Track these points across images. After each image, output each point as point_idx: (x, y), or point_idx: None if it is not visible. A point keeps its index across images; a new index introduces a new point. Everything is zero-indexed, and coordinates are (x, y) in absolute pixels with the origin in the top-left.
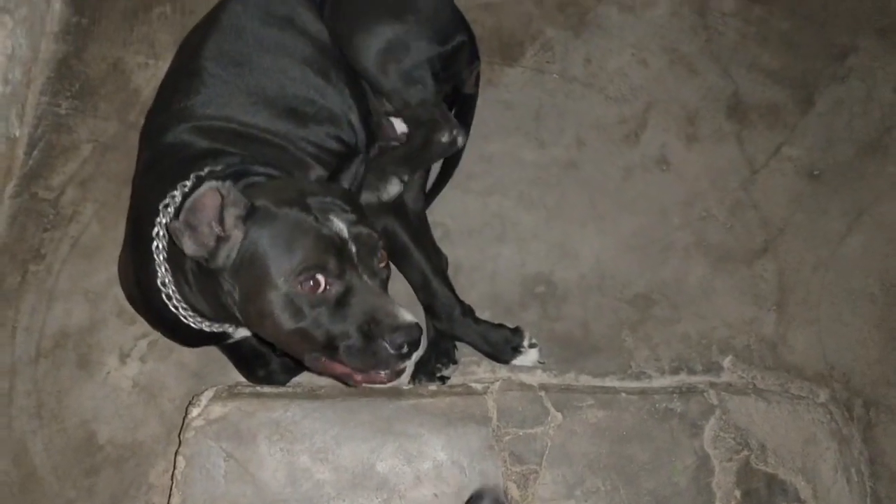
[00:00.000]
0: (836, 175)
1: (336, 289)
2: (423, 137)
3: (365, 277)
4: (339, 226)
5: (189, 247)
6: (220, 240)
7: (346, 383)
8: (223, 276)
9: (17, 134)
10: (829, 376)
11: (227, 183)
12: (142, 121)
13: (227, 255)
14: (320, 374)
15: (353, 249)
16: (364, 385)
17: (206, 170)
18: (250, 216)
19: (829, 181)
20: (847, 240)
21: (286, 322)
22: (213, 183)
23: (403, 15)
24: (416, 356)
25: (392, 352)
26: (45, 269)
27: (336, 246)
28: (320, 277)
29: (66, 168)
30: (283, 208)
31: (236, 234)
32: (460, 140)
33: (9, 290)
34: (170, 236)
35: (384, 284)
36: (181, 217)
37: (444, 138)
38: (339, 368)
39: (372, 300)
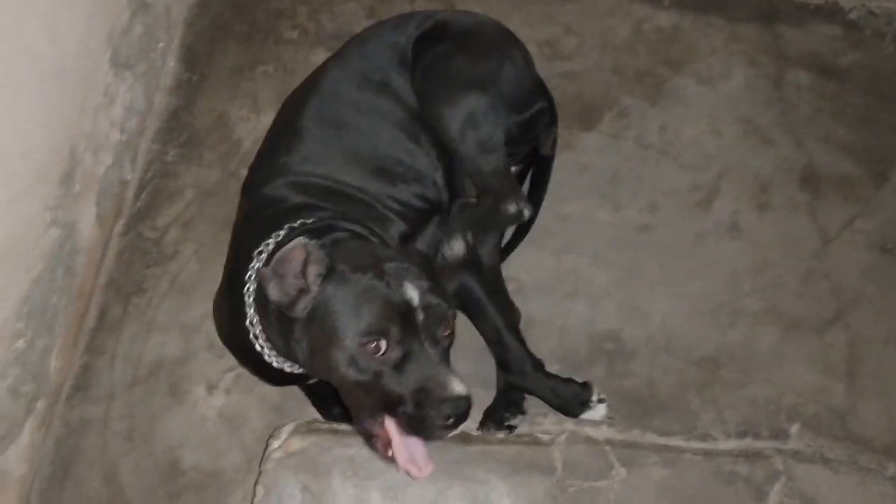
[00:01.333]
0: None
1: (396, 354)
2: (491, 205)
3: (426, 345)
4: (411, 294)
5: (273, 293)
6: (301, 292)
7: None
8: (297, 326)
9: (129, 178)
10: None
11: (314, 242)
12: (242, 170)
13: (304, 306)
14: (367, 443)
15: (420, 318)
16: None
17: (299, 222)
18: (329, 275)
19: None
20: None
21: (348, 375)
22: (302, 240)
23: (488, 88)
24: (461, 427)
25: (439, 422)
26: (145, 303)
27: (402, 313)
28: (383, 342)
29: (170, 211)
30: (357, 272)
31: (314, 289)
32: (526, 212)
33: (112, 321)
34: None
35: (446, 353)
36: (271, 265)
37: (511, 209)
38: (384, 440)
39: (429, 369)
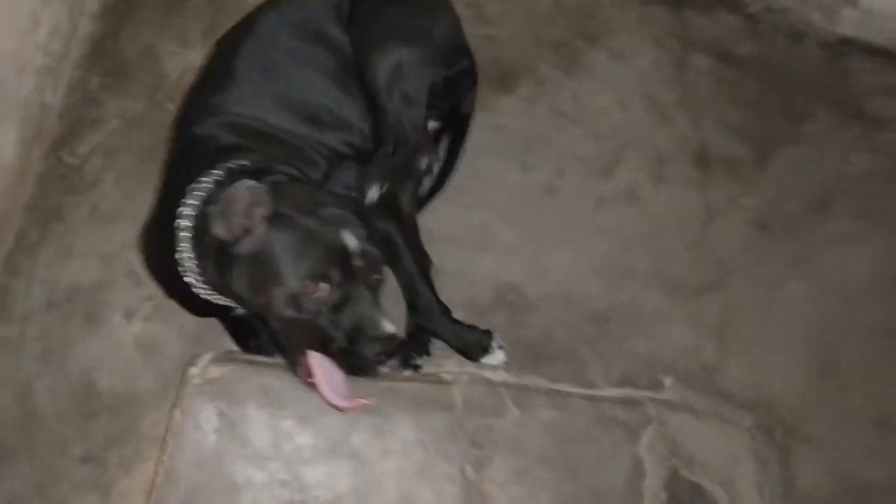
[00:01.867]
0: (783, 227)
1: (334, 296)
2: (405, 158)
3: (362, 288)
4: (349, 240)
5: (218, 230)
6: (246, 231)
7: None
8: (237, 262)
9: (51, 102)
10: (756, 404)
11: (262, 186)
12: (167, 103)
13: (246, 245)
14: (295, 375)
15: (357, 263)
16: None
17: (235, 163)
18: (273, 218)
19: (777, 232)
20: (787, 285)
21: (286, 313)
22: (250, 183)
23: (419, 41)
24: (391, 364)
25: (372, 358)
26: (63, 228)
27: (341, 259)
28: (324, 285)
29: (92, 138)
30: (302, 217)
31: (259, 230)
32: (434, 168)
33: (29, 244)
34: (196, 216)
35: (377, 294)
36: (218, 204)
37: (424, 163)
38: (314, 374)
39: (363, 310)
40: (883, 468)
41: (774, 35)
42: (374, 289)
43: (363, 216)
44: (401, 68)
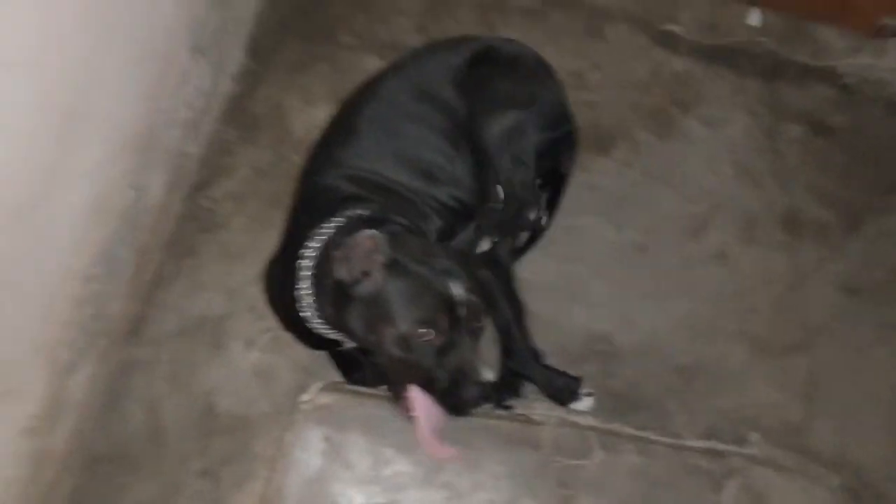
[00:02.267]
0: (871, 293)
1: (440, 341)
2: (516, 211)
3: (464, 335)
4: (456, 290)
5: (340, 272)
6: (364, 275)
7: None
8: (355, 303)
9: (192, 151)
10: (842, 466)
11: (383, 235)
12: (292, 154)
13: (364, 287)
14: (396, 407)
15: (462, 312)
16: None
17: (354, 212)
18: (390, 265)
19: (865, 297)
20: (874, 350)
21: (396, 353)
22: (372, 232)
23: (528, 107)
24: (486, 406)
25: (469, 400)
26: (197, 264)
27: (448, 307)
28: (431, 331)
29: (225, 184)
30: (415, 266)
31: (376, 275)
32: (543, 220)
33: (167, 277)
34: (317, 258)
35: (477, 341)
36: (341, 248)
37: (532, 216)
38: (415, 409)
39: (465, 355)
40: None
41: (869, 107)
42: (475, 336)
43: (466, 267)
44: (512, 132)
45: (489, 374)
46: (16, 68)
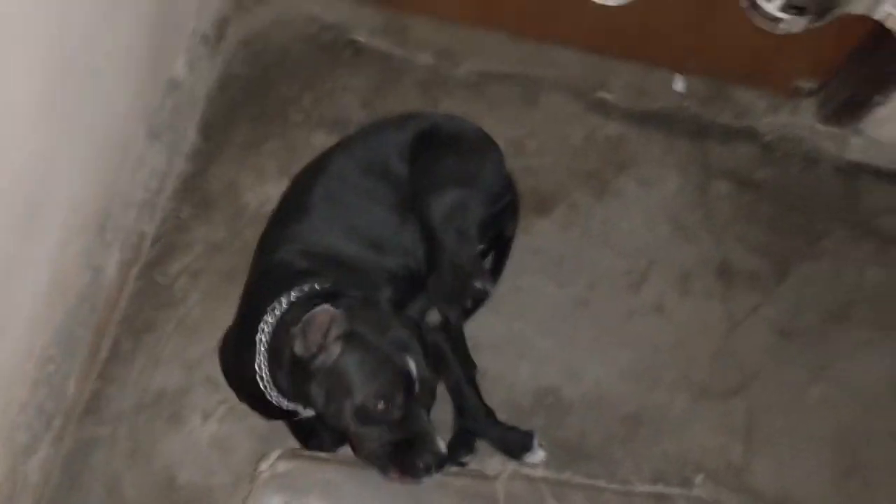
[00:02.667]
0: (803, 336)
1: (396, 414)
2: (462, 283)
3: (419, 408)
4: (412, 367)
5: (298, 348)
6: (321, 349)
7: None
8: (314, 375)
9: (147, 230)
10: (783, 503)
11: (339, 311)
12: (246, 230)
13: (322, 361)
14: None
15: (417, 387)
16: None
17: (310, 286)
18: (348, 338)
19: (797, 340)
20: (808, 390)
21: (352, 426)
22: (328, 307)
23: (471, 184)
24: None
25: (422, 469)
26: (154, 340)
27: (405, 382)
28: (388, 405)
29: (181, 261)
30: (373, 339)
31: (334, 349)
32: (489, 289)
33: (124, 354)
34: (273, 332)
35: (429, 412)
36: (299, 325)
37: (477, 284)
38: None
39: (420, 427)
40: None
41: (789, 161)
42: (428, 409)
43: (421, 340)
44: (455, 209)
45: (443, 448)
46: None
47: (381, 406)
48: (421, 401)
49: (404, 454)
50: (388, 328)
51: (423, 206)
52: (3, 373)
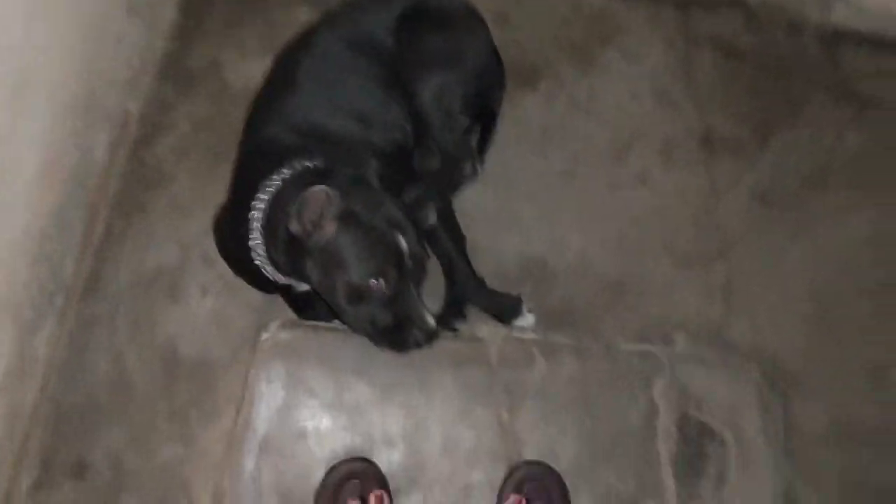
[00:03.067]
0: (784, 201)
1: (389, 290)
2: (450, 168)
3: (410, 284)
4: (404, 243)
5: (294, 226)
6: (316, 227)
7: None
8: (310, 253)
9: (132, 110)
10: (760, 356)
11: (334, 191)
12: (231, 107)
13: (317, 239)
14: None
15: (409, 264)
16: None
17: (300, 163)
18: (342, 217)
19: (778, 205)
20: (788, 252)
21: (344, 302)
22: (323, 187)
23: (457, 64)
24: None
25: (412, 344)
26: (146, 220)
27: (398, 259)
28: (382, 281)
29: (167, 140)
30: (366, 218)
31: (329, 227)
32: (479, 169)
33: (117, 234)
34: (268, 209)
35: (420, 288)
36: (295, 205)
37: (468, 170)
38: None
39: (411, 305)
40: (877, 412)
41: (773, 28)
42: (418, 284)
43: (412, 218)
44: (443, 91)
45: (433, 323)
46: None
47: (373, 283)
48: (412, 277)
49: (395, 330)
50: (380, 205)
51: (410, 88)
52: (5, 251)
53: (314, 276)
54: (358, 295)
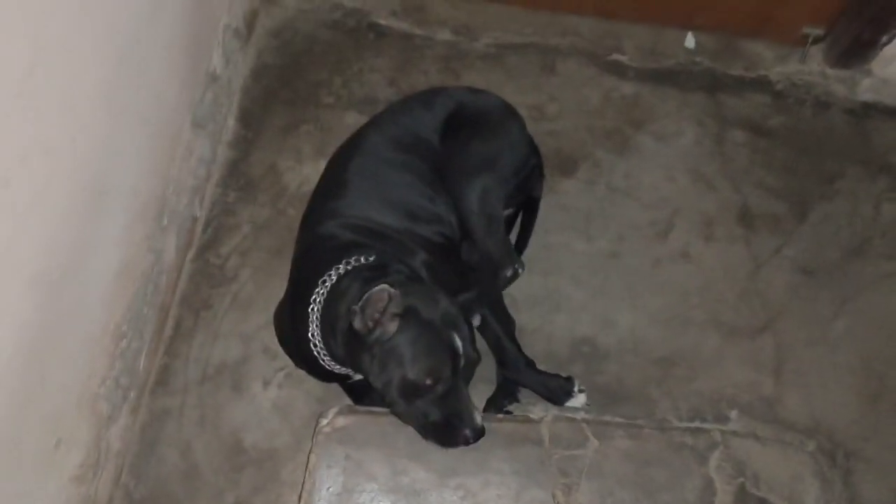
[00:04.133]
0: (825, 272)
1: (441, 389)
2: (492, 273)
3: (461, 383)
4: (458, 343)
5: (358, 323)
6: (378, 324)
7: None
8: (371, 348)
9: (199, 215)
10: (815, 430)
11: (396, 291)
12: (289, 209)
13: (378, 335)
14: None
15: (461, 364)
16: None
17: (355, 259)
18: (404, 315)
19: (820, 277)
20: (833, 323)
21: (398, 395)
22: (386, 286)
23: (498, 165)
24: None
25: (460, 440)
26: (212, 316)
27: (453, 360)
28: (436, 380)
29: (230, 242)
30: (427, 318)
31: (390, 325)
32: (520, 271)
33: (185, 330)
34: (325, 302)
35: (468, 384)
36: (360, 302)
37: (508, 273)
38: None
39: (462, 402)
40: None
41: (801, 107)
42: (468, 382)
43: (467, 318)
44: (485, 193)
45: (480, 421)
46: (52, 154)
47: (428, 382)
48: (463, 375)
49: (443, 426)
50: (437, 303)
51: (454, 193)
52: (86, 346)
53: (371, 369)
54: (412, 391)
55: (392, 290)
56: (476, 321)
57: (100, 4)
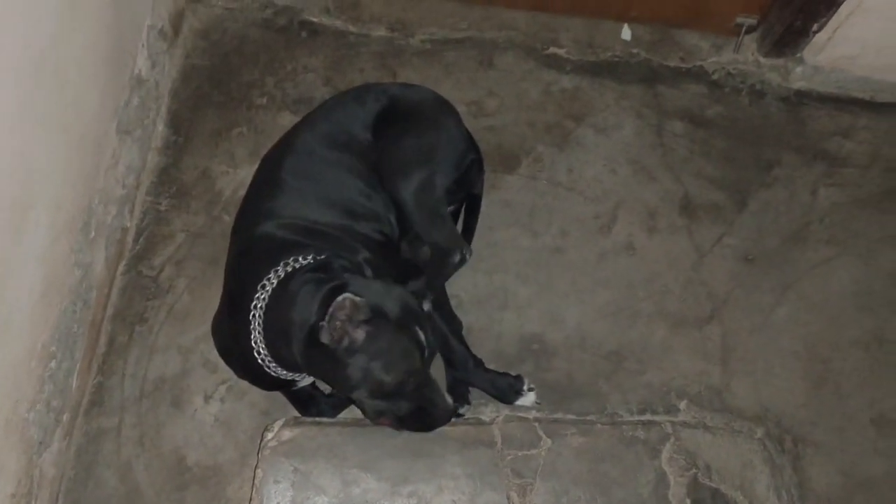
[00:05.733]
0: (766, 259)
1: (413, 382)
2: (440, 258)
3: (428, 372)
4: (422, 337)
5: (325, 337)
6: (345, 334)
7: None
8: (339, 359)
9: (129, 225)
10: (764, 417)
11: (362, 299)
12: (224, 215)
13: (347, 345)
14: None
15: (426, 354)
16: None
17: (292, 259)
18: (370, 321)
19: (761, 264)
20: (776, 310)
21: (368, 397)
22: (349, 295)
23: (433, 160)
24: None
25: (435, 424)
26: (147, 330)
27: (421, 355)
28: (412, 377)
29: (164, 251)
30: (393, 317)
31: (357, 333)
32: (467, 256)
33: (120, 346)
34: (267, 308)
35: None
36: (327, 317)
37: (456, 259)
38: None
39: (432, 389)
40: (886, 462)
41: (737, 96)
42: (429, 367)
43: (423, 310)
44: (423, 188)
45: (450, 399)
46: None
47: (403, 381)
48: (428, 363)
49: (417, 414)
50: (398, 297)
51: (391, 189)
52: (10, 370)
53: (337, 378)
54: (386, 393)
55: (356, 298)
56: (426, 307)
57: (10, 8)
